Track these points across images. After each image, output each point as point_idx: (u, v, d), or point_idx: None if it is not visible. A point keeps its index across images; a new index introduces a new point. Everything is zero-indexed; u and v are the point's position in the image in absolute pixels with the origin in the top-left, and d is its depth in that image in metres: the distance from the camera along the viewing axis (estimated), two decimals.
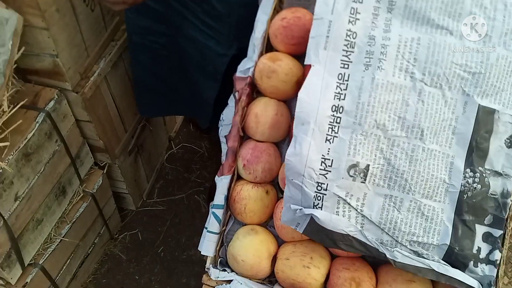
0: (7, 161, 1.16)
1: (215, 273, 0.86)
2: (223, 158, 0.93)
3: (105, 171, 1.61)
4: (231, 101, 0.93)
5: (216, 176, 0.88)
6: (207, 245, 0.87)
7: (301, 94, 0.76)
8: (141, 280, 1.70)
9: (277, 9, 0.94)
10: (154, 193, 1.95)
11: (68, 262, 1.51)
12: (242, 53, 1.04)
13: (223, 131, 0.94)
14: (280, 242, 0.89)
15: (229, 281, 0.85)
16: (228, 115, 0.93)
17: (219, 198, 0.88)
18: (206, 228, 0.87)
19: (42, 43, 1.24)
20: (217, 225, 0.87)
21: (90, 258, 1.65)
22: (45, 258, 1.38)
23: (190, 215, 1.87)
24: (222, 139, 0.94)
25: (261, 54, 0.92)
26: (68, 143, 1.39)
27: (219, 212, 0.87)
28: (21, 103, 1.21)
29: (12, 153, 1.18)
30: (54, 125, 1.31)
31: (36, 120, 1.25)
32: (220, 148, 2.04)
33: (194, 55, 1.17)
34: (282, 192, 0.89)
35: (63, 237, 1.43)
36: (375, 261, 0.85)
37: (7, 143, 1.16)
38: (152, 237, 1.82)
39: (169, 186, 1.97)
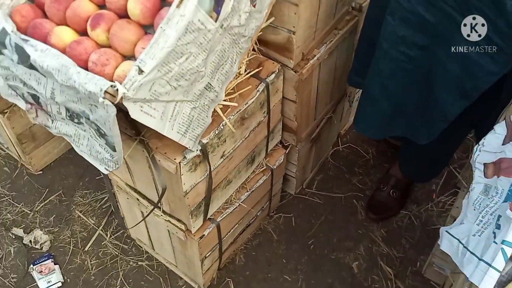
0: (229, 119, 1.21)
1: None
2: (476, 185, 0.86)
3: (287, 151, 1.63)
4: (501, 127, 0.87)
5: (509, 210, 0.80)
6: (487, 281, 0.80)
7: None
8: (288, 265, 1.71)
9: None
10: (314, 184, 1.95)
11: (235, 226, 1.57)
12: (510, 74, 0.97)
13: (481, 156, 0.88)
14: None
15: None
16: (491, 142, 0.87)
17: None
18: (489, 264, 0.81)
19: (286, 17, 1.27)
20: (503, 264, 0.80)
21: (248, 229, 1.69)
22: (222, 217, 1.44)
23: (345, 218, 1.84)
24: (478, 166, 0.88)
25: None
26: (271, 117, 1.43)
27: (509, 251, 0.80)
28: (256, 70, 1.26)
29: (233, 114, 1.23)
30: (267, 96, 1.35)
31: (257, 89, 1.29)
32: (390, 159, 1.96)
33: (453, 70, 1.11)
34: None
35: (241, 202, 1.48)
36: None
37: (235, 104, 1.21)
38: (304, 226, 1.82)
39: (329, 181, 1.96)
